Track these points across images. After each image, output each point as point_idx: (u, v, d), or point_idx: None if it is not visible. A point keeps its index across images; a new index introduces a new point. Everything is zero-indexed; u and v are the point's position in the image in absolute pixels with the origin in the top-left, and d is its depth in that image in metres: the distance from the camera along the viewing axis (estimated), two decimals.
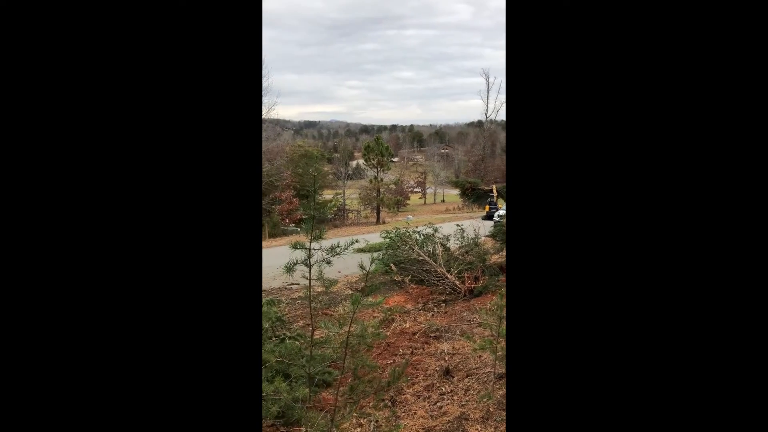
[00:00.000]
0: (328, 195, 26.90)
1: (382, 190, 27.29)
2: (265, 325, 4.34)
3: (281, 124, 28.31)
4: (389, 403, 3.09)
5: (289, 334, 4.61)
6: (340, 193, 27.26)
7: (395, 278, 6.82)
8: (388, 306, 3.63)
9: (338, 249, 1.91)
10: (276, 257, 10.10)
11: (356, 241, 1.92)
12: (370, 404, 3.04)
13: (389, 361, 4.19)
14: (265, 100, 20.15)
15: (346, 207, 27.48)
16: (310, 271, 1.86)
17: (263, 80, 19.97)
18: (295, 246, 1.87)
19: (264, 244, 14.59)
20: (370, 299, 2.18)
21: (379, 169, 27.57)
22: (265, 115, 20.46)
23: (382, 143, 28.50)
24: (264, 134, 20.51)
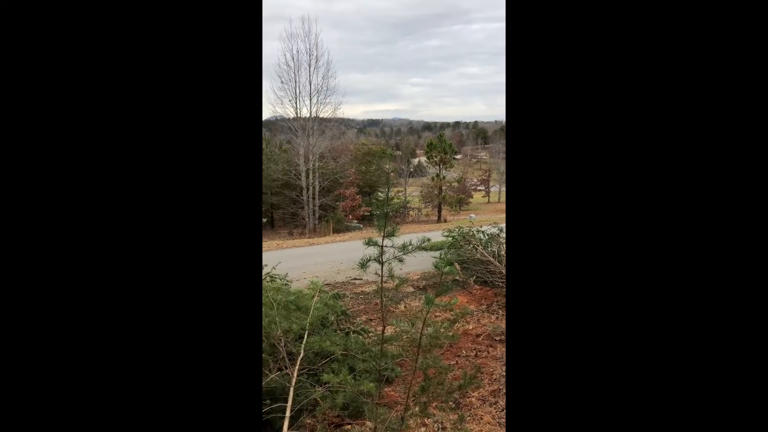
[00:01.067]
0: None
1: (444, 188, 26.93)
2: (331, 318, 4.49)
3: (345, 123, 29.03)
4: (454, 406, 3.03)
5: (353, 328, 4.72)
6: (402, 191, 27.35)
7: (457, 278, 6.69)
8: (458, 309, 3.56)
9: (410, 247, 1.90)
10: (341, 252, 10.42)
11: (428, 240, 1.89)
12: (434, 405, 3.00)
13: (452, 362, 4.12)
14: (331, 99, 20.78)
15: (408, 205, 27.52)
16: (382, 268, 1.87)
17: (330, 80, 20.63)
18: (368, 242, 1.88)
19: (328, 239, 15.10)
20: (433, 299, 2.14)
21: (441, 166, 27.23)
22: (331, 114, 21.12)
23: (444, 140, 28.10)
24: (329, 133, 21.18)
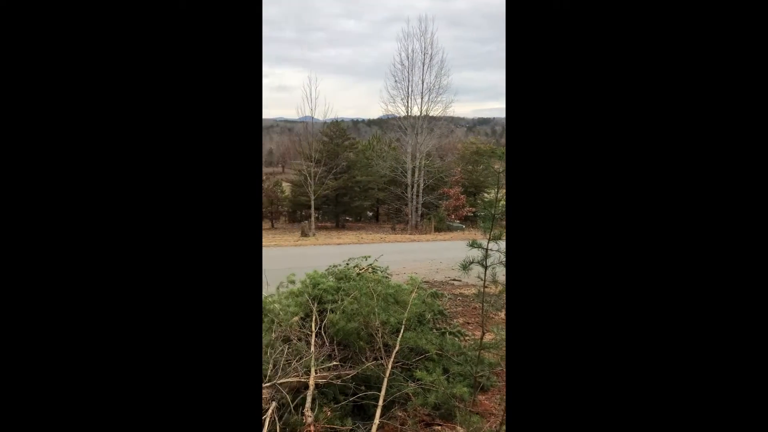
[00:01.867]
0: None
1: None
2: (428, 316, 4.49)
3: (454, 122, 28.67)
4: None
5: (449, 329, 4.66)
6: None
7: None
8: None
9: None
10: (441, 250, 10.38)
11: None
12: None
13: None
14: (442, 98, 20.73)
15: None
16: (485, 271, 1.79)
17: (442, 79, 20.55)
18: (472, 244, 1.82)
19: (429, 237, 15.16)
20: None
21: None
22: (440, 112, 21.07)
23: None
24: (438, 131, 21.15)
